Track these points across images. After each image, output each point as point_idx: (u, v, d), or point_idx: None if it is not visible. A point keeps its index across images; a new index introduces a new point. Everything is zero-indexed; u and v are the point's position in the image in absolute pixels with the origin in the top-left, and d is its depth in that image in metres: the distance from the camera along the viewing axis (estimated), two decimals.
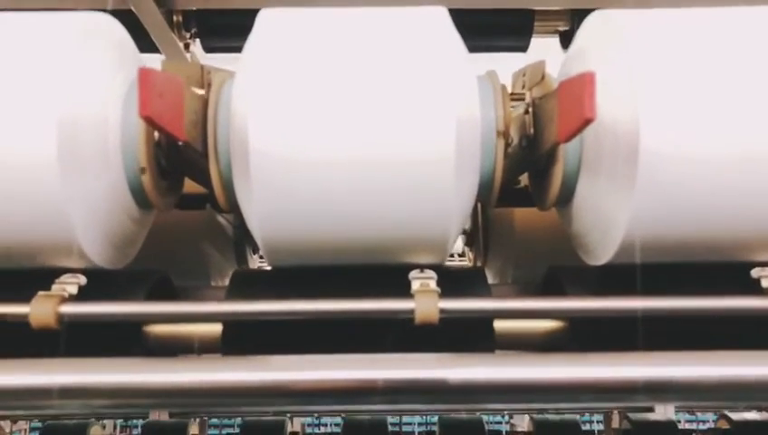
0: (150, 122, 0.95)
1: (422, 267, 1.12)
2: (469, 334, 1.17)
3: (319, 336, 1.15)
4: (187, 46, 1.88)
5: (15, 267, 1.11)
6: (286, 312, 1.07)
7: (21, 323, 1.01)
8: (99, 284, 1.15)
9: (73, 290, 1.07)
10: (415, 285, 1.07)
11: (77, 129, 1.04)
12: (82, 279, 1.09)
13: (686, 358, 1.01)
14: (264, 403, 1.00)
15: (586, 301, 1.15)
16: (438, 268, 1.23)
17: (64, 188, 1.01)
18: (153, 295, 1.23)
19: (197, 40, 1.93)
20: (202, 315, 1.11)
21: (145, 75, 0.90)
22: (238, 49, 1.12)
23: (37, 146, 1.00)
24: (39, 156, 1.00)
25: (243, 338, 1.16)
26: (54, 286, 1.07)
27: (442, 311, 1.03)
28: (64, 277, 1.09)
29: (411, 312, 1.02)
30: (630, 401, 1.27)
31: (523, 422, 5.82)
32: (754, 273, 1.11)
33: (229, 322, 1.17)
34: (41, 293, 1.05)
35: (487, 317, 1.16)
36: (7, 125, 1.00)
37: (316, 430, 6.36)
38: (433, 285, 1.07)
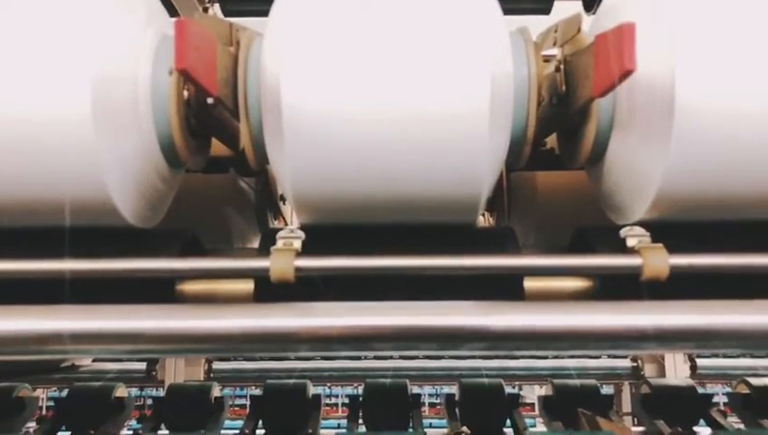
0: (186, 75, 0.94)
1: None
2: (499, 292, 1.18)
3: (350, 291, 1.15)
4: (205, 10, 1.87)
5: (48, 225, 1.12)
6: (319, 268, 1.08)
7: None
8: (132, 241, 1.16)
9: None
10: (278, 244, 1.08)
11: (110, 85, 1.03)
12: None
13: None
14: (313, 348, 1.02)
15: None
16: (470, 228, 1.23)
17: (98, 144, 1.01)
18: (184, 254, 1.24)
19: (216, 4, 1.92)
20: (236, 271, 1.12)
21: (182, 27, 0.90)
22: (256, 12, 1.11)
23: (71, 103, 0.99)
24: (73, 113, 1.00)
25: (275, 295, 1.16)
26: None
27: (298, 269, 1.04)
28: None
29: (267, 270, 1.03)
30: (670, 348, 1.28)
31: (533, 393, 5.88)
32: (622, 233, 1.12)
33: (262, 278, 1.17)
34: None
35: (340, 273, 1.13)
36: (42, 82, 1.00)
37: (327, 401, 6.44)
38: (297, 244, 1.07)
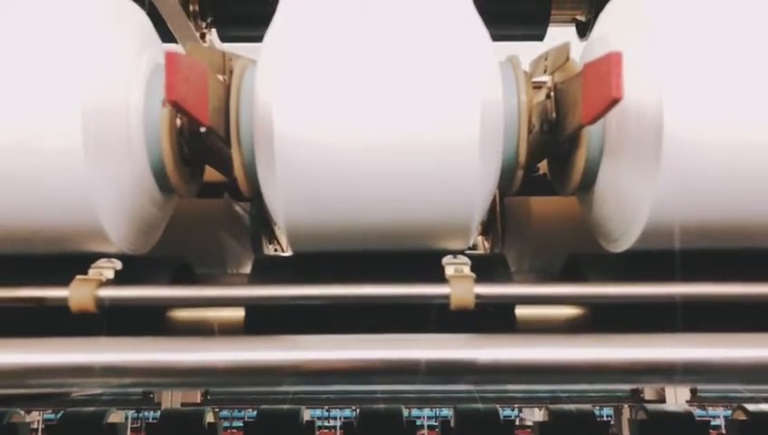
0: (176, 107, 0.95)
1: (454, 253, 1.11)
2: (491, 321, 1.17)
3: (341, 321, 1.15)
4: (203, 36, 1.88)
5: (40, 253, 1.12)
6: (312, 296, 1.07)
7: (60, 306, 1.01)
8: (122, 269, 1.16)
9: (110, 274, 1.07)
10: (449, 271, 1.06)
11: (102, 114, 1.04)
12: (118, 264, 1.09)
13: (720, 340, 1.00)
14: (300, 382, 1.00)
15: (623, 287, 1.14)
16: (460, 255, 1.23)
17: (89, 173, 1.02)
18: (175, 282, 1.24)
19: (213, 29, 1.94)
20: (231, 300, 1.11)
21: (172, 59, 0.90)
22: (254, 38, 1.12)
23: (62, 131, 1.00)
24: (64, 141, 1.00)
25: (266, 323, 1.16)
26: (91, 271, 1.07)
27: (477, 296, 1.02)
28: (100, 262, 1.09)
29: (447, 297, 1.02)
30: (666, 381, 1.25)
31: (533, 415, 5.84)
32: None
33: (252, 307, 1.17)
34: (78, 277, 1.05)
35: (519, 303, 1.15)
36: (32, 110, 1.00)
37: (325, 424, 6.39)
38: (467, 270, 1.06)
